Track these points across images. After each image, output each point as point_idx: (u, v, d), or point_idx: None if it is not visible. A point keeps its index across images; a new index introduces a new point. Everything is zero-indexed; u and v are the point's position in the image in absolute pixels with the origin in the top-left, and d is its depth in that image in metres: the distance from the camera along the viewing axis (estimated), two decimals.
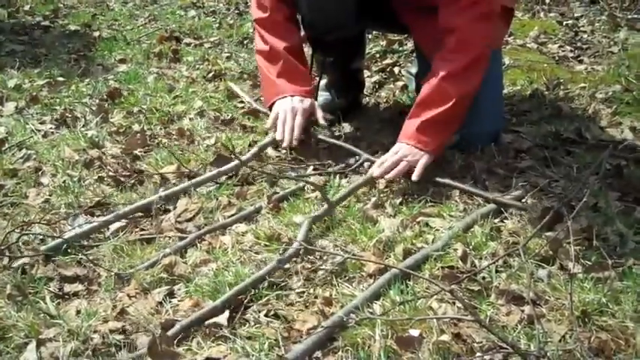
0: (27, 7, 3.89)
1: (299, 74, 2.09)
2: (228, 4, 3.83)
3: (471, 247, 1.56)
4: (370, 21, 2.26)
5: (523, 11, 3.53)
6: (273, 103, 2.07)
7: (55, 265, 1.56)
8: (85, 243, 1.66)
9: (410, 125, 1.91)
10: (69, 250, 1.62)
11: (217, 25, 3.51)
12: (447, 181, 1.85)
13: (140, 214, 1.77)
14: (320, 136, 2.12)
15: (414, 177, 1.81)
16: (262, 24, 2.11)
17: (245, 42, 3.24)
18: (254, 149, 2.01)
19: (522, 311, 1.35)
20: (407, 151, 1.87)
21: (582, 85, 2.55)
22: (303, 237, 1.59)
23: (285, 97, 2.05)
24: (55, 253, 1.61)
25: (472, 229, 1.63)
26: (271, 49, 2.08)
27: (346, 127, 2.23)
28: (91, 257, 1.60)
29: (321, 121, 2.08)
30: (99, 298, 1.47)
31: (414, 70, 2.61)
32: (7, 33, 3.44)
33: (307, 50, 2.25)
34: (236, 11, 3.71)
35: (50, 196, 1.88)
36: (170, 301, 1.45)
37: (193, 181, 1.89)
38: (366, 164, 1.97)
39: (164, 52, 3.07)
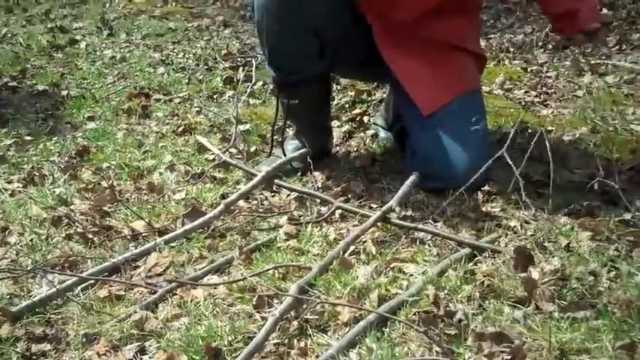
0: None
1: None
2: (197, 60, 3.84)
3: (445, 291, 1.55)
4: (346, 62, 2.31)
5: (488, 59, 3.58)
6: None
7: (23, 325, 1.52)
8: (54, 302, 1.62)
9: None
10: (37, 310, 1.58)
11: (187, 80, 3.51)
12: (420, 225, 1.85)
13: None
14: (291, 185, 2.11)
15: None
16: None
17: (215, 96, 3.24)
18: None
19: (502, 352, 1.34)
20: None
21: (549, 128, 2.58)
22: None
23: None
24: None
25: (446, 273, 1.62)
26: None
27: (317, 176, 2.23)
28: (59, 315, 1.57)
29: None
30: (68, 358, 1.44)
31: (379, 121, 2.63)
32: None
33: None
34: (205, 67, 3.72)
35: (17, 255, 1.85)
36: (141, 358, 1.42)
37: (164, 237, 1.86)
38: (337, 212, 1.96)
39: (133, 108, 3.06)
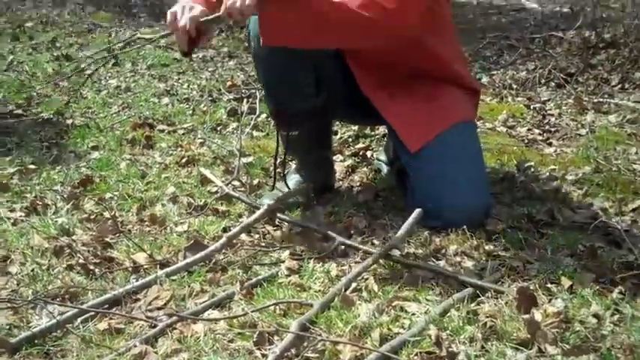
0: (0, 96, 3.90)
1: None
2: (201, 91, 3.86)
3: (447, 331, 1.54)
4: (338, 106, 2.32)
5: (491, 96, 3.61)
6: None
7: (22, 356, 1.51)
8: (54, 333, 1.61)
9: None
10: (36, 341, 1.57)
11: (191, 111, 3.53)
12: (422, 264, 1.84)
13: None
14: (294, 220, 2.11)
15: None
16: None
17: (218, 128, 3.26)
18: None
19: None
20: None
21: (552, 167, 2.59)
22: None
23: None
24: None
25: (449, 313, 1.61)
26: None
27: (320, 211, 2.23)
28: (58, 348, 1.56)
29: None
30: None
31: (382, 156, 2.64)
32: None
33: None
34: (209, 98, 3.74)
35: (18, 285, 1.84)
36: None
37: (166, 270, 1.85)
38: (340, 248, 1.96)
39: (137, 138, 3.07)
